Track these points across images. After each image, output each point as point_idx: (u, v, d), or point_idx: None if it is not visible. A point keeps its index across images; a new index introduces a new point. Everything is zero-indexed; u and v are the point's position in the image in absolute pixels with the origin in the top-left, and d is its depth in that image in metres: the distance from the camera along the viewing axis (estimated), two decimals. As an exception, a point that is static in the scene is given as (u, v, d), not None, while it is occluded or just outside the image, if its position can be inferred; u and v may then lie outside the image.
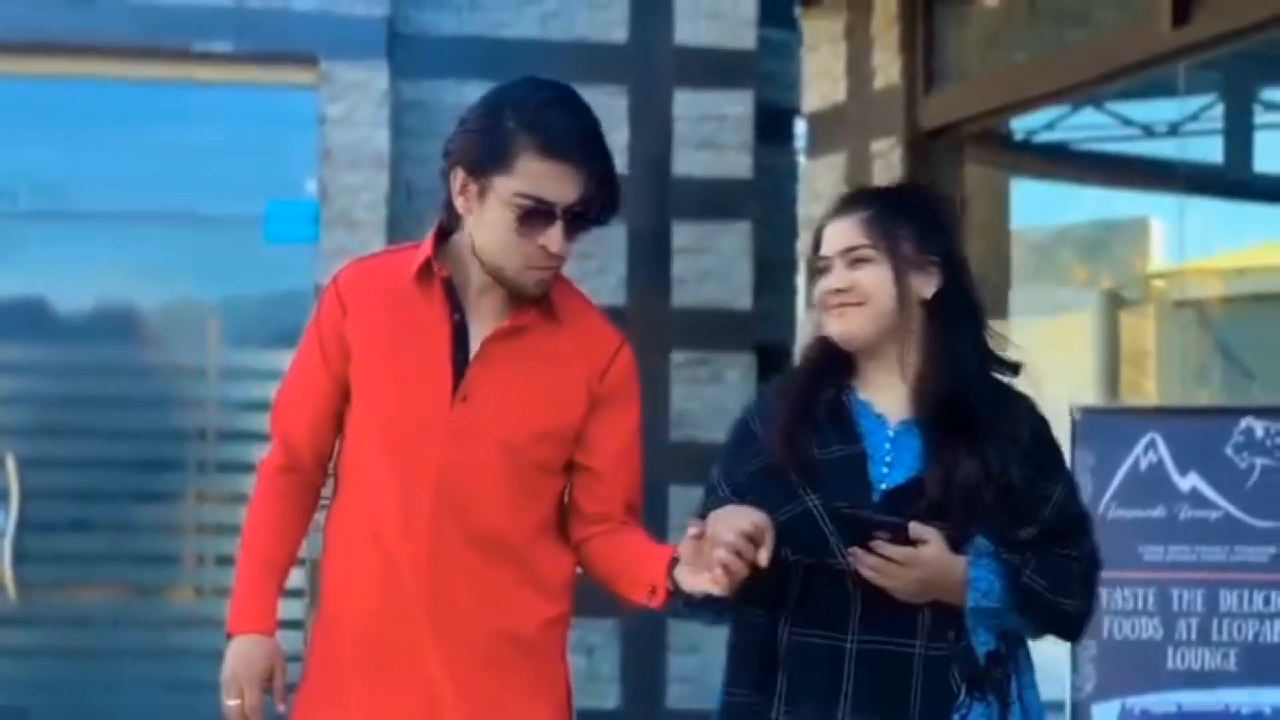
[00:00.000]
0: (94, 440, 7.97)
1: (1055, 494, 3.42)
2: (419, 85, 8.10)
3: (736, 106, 8.20)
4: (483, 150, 3.40)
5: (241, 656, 3.42)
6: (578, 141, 3.40)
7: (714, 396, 7.90)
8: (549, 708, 3.51)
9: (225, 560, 7.46)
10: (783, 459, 3.39)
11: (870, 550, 3.32)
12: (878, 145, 7.53)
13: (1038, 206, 8.85)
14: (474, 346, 3.48)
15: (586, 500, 3.54)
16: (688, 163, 8.12)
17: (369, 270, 3.56)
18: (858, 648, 3.36)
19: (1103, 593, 4.15)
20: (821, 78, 7.92)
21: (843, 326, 3.43)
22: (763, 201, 8.25)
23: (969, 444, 3.34)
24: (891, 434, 3.43)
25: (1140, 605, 4.74)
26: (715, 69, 8.20)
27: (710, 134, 8.17)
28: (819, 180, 7.87)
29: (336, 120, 7.90)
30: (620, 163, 8.40)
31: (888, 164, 7.47)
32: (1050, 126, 8.36)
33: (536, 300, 3.48)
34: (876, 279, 3.42)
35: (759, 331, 8.23)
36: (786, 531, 3.32)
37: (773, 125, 8.34)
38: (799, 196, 8.28)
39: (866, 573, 3.32)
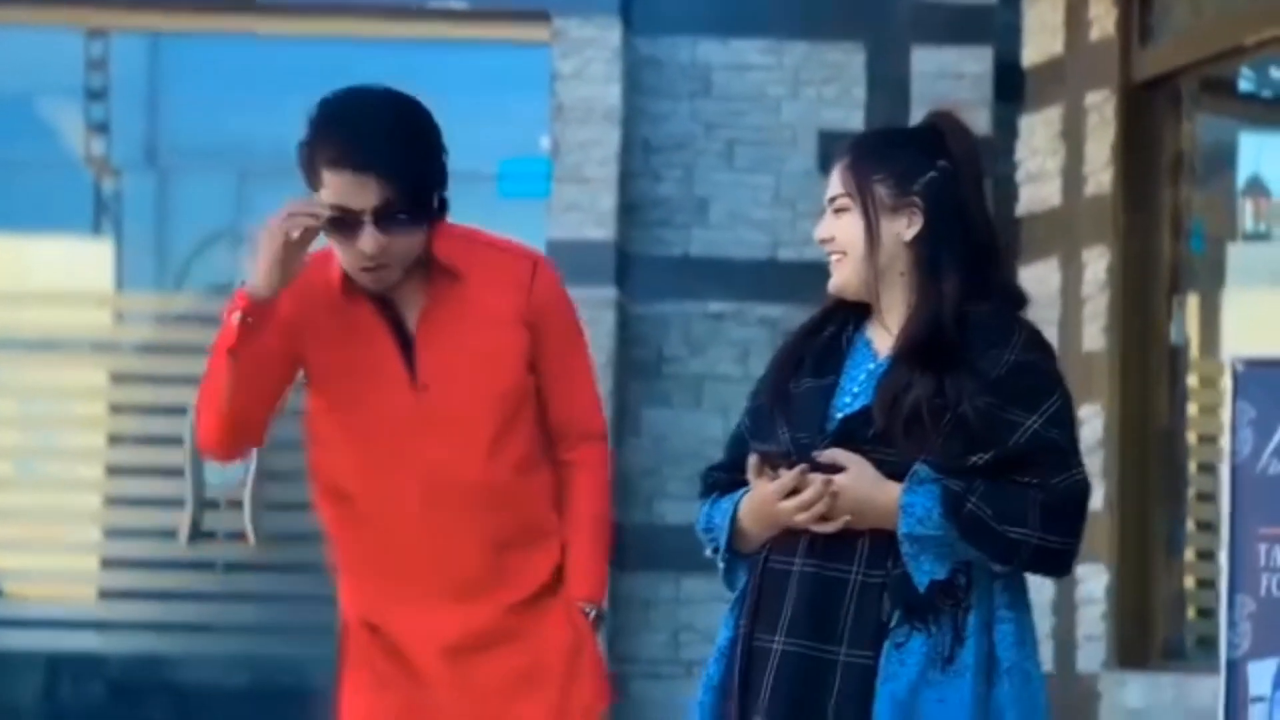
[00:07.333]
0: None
1: (1029, 422, 3.38)
2: (653, 42, 8.08)
3: (975, 63, 8.10)
4: (304, 166, 3.57)
5: None
6: (361, 150, 3.49)
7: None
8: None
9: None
10: (766, 396, 3.51)
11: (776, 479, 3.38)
12: (1092, 98, 7.41)
13: (1273, 158, 8.57)
14: (411, 328, 3.59)
15: (548, 417, 3.70)
16: (925, 120, 8.02)
17: (304, 279, 3.60)
18: (801, 571, 3.41)
19: (1260, 549, 4.06)
20: (1040, 31, 7.79)
21: (834, 279, 3.52)
22: (1003, 158, 8.11)
23: (925, 373, 3.37)
24: (872, 367, 3.47)
25: (1300, 563, 4.57)
26: (954, 25, 8.10)
27: (948, 91, 8.05)
28: (1035, 135, 7.75)
29: (569, 77, 7.89)
30: (856, 120, 8.32)
31: (1102, 117, 7.35)
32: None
33: (446, 272, 3.60)
34: (853, 229, 3.47)
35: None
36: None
37: (1012, 80, 8.20)
38: (1017, 152, 8.13)
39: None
